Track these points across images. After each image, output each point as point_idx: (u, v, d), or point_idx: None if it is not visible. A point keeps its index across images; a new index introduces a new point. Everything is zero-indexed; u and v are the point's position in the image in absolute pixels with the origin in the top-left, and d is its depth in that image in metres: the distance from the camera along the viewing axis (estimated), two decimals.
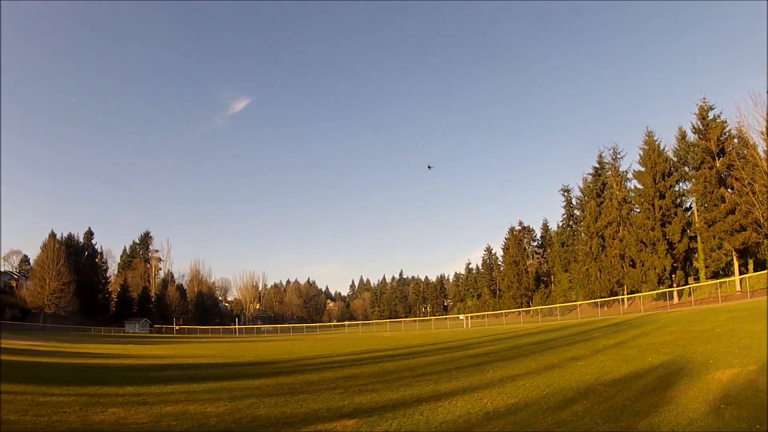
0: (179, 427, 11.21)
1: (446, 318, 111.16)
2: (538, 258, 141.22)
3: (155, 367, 27.69)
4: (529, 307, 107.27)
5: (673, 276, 77.22)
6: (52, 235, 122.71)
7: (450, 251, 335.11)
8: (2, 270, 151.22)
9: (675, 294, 71.75)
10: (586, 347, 25.67)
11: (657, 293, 73.82)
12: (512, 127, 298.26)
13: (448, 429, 10.20)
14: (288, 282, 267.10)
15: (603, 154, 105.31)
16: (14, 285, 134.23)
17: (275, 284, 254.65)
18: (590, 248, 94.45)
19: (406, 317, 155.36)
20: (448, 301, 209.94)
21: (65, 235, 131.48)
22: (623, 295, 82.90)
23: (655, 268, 77.36)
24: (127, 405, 13.78)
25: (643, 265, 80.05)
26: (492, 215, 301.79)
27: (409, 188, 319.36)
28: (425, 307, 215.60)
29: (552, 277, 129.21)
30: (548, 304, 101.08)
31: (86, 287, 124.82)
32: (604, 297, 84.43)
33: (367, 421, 11.23)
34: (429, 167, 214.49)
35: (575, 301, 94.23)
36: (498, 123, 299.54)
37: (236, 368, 26.50)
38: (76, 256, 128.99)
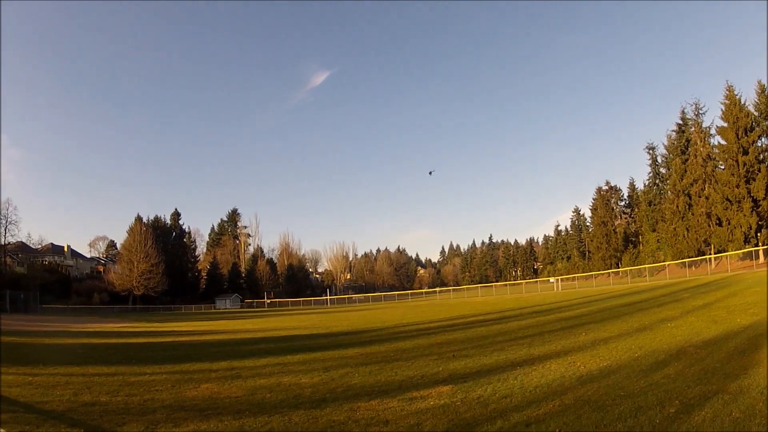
0: (274, 398, 11.29)
1: (537, 281, 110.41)
2: (626, 218, 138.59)
3: (248, 341, 28.21)
4: (618, 268, 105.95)
5: (759, 235, 75.30)
6: (138, 218, 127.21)
7: (539, 213, 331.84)
8: (89, 256, 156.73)
9: (761, 253, 69.37)
10: (675, 308, 25.32)
11: (743, 253, 72.16)
12: (596, 83, 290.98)
13: (543, 393, 10.17)
14: (378, 251, 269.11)
15: (685, 110, 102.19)
16: (101, 270, 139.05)
17: (365, 253, 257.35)
18: (677, 207, 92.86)
19: (497, 281, 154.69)
20: (538, 264, 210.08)
21: (151, 217, 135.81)
22: (710, 254, 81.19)
23: (741, 227, 75.67)
24: (221, 380, 13.99)
25: (729, 224, 78.38)
26: (579, 175, 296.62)
27: (496, 151, 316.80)
28: (515, 271, 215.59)
29: (640, 237, 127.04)
30: (637, 265, 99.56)
31: (175, 267, 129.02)
32: (692, 257, 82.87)
33: (462, 386, 11.32)
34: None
35: (663, 261, 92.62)
36: (581, 80, 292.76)
37: (329, 338, 26.72)
38: (164, 238, 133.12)
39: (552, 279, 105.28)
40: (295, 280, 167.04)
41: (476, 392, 10.61)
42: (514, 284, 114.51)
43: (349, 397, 11.01)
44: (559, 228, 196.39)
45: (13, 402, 11.41)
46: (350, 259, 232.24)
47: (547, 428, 7.65)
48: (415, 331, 27.71)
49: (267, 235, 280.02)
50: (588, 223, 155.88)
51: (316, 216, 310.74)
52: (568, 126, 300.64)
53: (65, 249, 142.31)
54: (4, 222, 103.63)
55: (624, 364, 12.42)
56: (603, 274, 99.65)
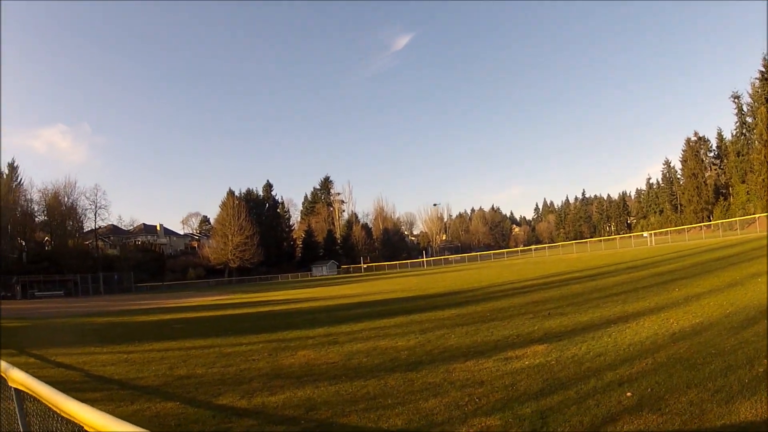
0: (370, 363, 11.49)
1: (630, 236, 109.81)
2: (715, 169, 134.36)
3: (344, 306, 28.47)
4: (710, 221, 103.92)
5: None
6: (231, 192, 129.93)
7: (630, 165, 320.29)
8: (182, 233, 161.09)
9: None
10: (765, 263, 24.50)
11: None
12: (679, 29, 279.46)
13: (636, 351, 10.23)
14: (473, 210, 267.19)
15: (767, 57, 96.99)
16: (196, 245, 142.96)
17: (460, 214, 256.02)
18: (764, 157, 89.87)
19: (591, 237, 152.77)
20: (631, 218, 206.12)
21: (243, 191, 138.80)
22: None
23: None
24: (317, 346, 14.27)
25: None
26: (667, 125, 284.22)
27: (583, 103, 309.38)
28: (609, 226, 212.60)
29: (730, 189, 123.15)
30: (728, 218, 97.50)
31: (270, 237, 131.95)
32: None
33: (557, 345, 11.52)
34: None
35: (753, 214, 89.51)
36: (665, 26, 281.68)
37: (425, 300, 26.95)
38: (257, 210, 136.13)
39: (645, 234, 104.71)
40: (391, 243, 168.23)
41: (570, 351, 10.77)
42: (608, 240, 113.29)
43: (445, 359, 11.26)
44: (651, 181, 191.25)
45: (107, 380, 11.81)
46: (445, 220, 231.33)
47: (639, 387, 7.64)
48: (510, 290, 27.89)
49: (360, 201, 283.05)
50: (679, 176, 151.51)
51: (409, 179, 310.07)
52: (654, 75, 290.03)
53: (158, 228, 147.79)
54: (94, 207, 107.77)
55: (715, 321, 12.30)
56: (695, 227, 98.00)
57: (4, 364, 4.90)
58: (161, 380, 11.29)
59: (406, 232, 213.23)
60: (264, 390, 9.57)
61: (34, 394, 4.11)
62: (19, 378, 4.42)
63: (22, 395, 4.63)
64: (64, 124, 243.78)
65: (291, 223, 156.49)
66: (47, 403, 3.81)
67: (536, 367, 9.58)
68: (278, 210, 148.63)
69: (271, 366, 11.98)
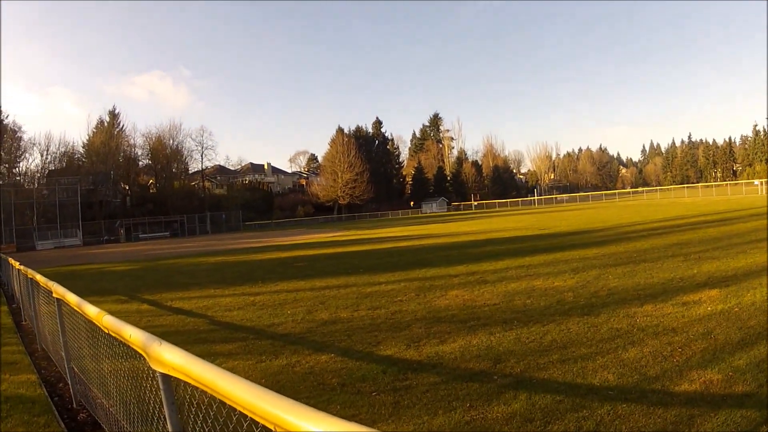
0: (536, 305, 10.58)
1: (741, 183, 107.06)
2: None
3: (471, 243, 27.58)
4: None
5: None
6: (340, 129, 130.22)
7: (736, 110, 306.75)
8: (290, 171, 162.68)
9: None
10: None
11: None
12: None
13: None
14: (580, 150, 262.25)
15: None
16: (304, 183, 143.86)
17: (568, 153, 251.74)
18: None
19: (697, 182, 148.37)
20: (737, 165, 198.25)
21: (353, 128, 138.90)
22: None
23: None
24: (466, 286, 13.28)
25: None
26: None
27: (692, 44, 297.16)
28: (715, 172, 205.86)
29: None
30: None
31: (380, 174, 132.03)
32: None
33: (729, 290, 10.66)
34: None
35: None
36: None
37: (557, 239, 25.98)
38: (367, 146, 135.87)
39: (756, 182, 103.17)
40: (501, 181, 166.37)
41: (746, 297, 9.91)
42: (717, 185, 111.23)
43: (617, 302, 10.36)
44: (758, 128, 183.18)
45: (238, 327, 10.69)
46: (553, 158, 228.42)
47: None
48: (643, 231, 27.26)
49: (470, 138, 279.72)
50: None
51: (517, 115, 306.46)
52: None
53: (265, 167, 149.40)
54: (200, 148, 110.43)
55: None
56: None
57: (143, 335, 3.15)
58: (303, 326, 10.13)
59: (514, 170, 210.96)
60: (430, 337, 8.46)
61: (195, 383, 2.43)
62: (170, 360, 2.51)
63: (171, 383, 2.99)
64: (160, 70, 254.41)
65: (400, 159, 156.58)
66: (227, 400, 2.14)
67: (721, 314, 8.83)
68: (388, 147, 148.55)
69: (424, 308, 10.90)
